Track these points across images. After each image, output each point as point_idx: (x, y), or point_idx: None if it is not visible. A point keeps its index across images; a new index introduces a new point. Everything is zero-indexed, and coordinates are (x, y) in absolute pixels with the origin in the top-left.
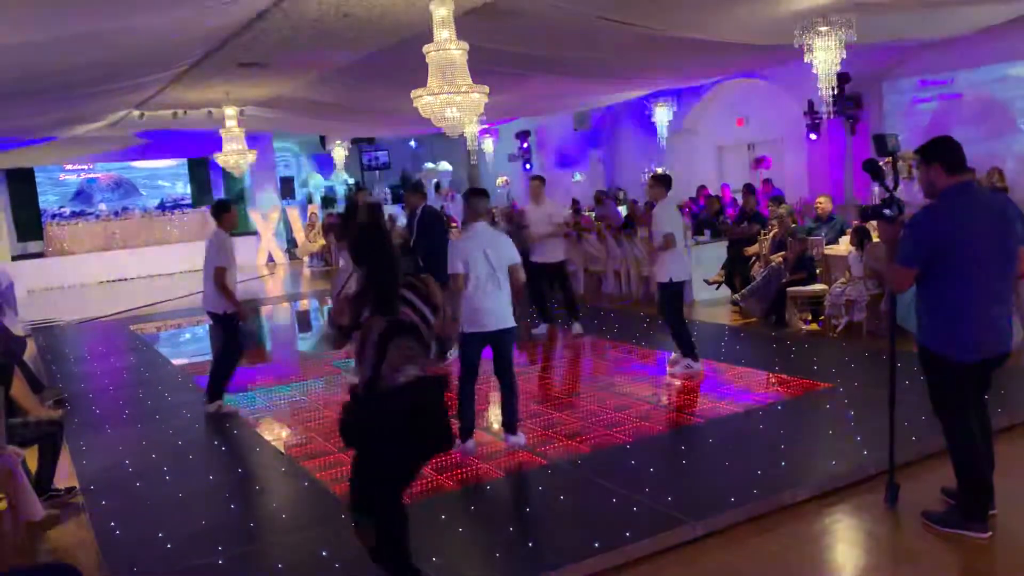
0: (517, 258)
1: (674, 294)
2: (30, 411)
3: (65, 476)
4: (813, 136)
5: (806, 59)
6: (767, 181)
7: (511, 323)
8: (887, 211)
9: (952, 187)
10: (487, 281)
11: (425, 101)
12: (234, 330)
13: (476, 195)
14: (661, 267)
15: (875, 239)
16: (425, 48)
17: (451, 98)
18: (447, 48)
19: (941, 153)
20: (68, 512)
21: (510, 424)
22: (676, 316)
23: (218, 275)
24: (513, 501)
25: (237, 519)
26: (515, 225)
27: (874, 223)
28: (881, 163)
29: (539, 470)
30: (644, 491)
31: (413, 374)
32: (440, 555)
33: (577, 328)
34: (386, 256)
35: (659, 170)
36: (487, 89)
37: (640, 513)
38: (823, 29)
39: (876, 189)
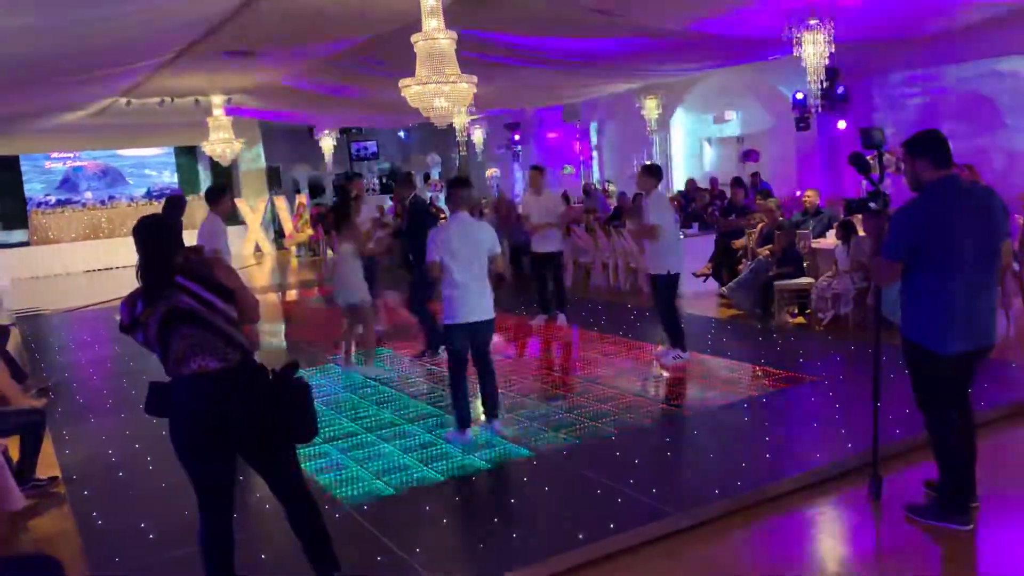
0: (498, 248)
1: (670, 285)
2: (13, 400)
3: (48, 466)
4: (802, 129)
5: (795, 53)
6: (755, 174)
7: (490, 314)
8: (872, 204)
9: (937, 181)
10: (468, 272)
11: (414, 91)
12: None
13: (459, 184)
14: (657, 259)
15: (861, 232)
16: (413, 37)
17: (439, 87)
18: (435, 37)
19: (927, 147)
20: (50, 502)
21: (491, 411)
22: (669, 307)
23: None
24: (498, 493)
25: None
26: (502, 216)
27: (860, 216)
28: (869, 157)
29: (525, 461)
30: (629, 483)
31: (210, 366)
32: (424, 547)
33: (561, 319)
34: (160, 246)
35: (648, 162)
36: (475, 79)
37: (625, 505)
38: (812, 23)
39: (864, 183)
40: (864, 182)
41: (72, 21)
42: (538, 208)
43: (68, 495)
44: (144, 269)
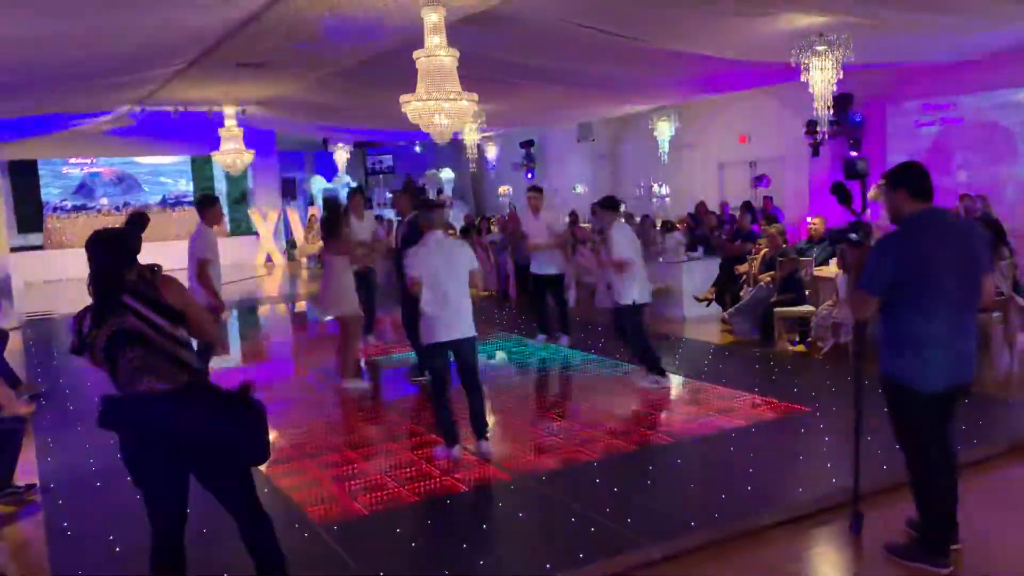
0: (475, 264)
1: (635, 315)
2: (5, 405)
3: (30, 473)
4: (814, 155)
5: (802, 78)
6: (768, 198)
7: (471, 332)
8: (853, 235)
9: (917, 213)
10: (444, 291)
11: (413, 107)
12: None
13: (431, 208)
14: (623, 288)
15: None
16: (415, 54)
17: (440, 104)
18: (437, 54)
19: (907, 179)
20: (26, 510)
21: (479, 431)
22: (639, 335)
23: (200, 267)
24: (472, 516)
25: (190, 524)
26: (508, 234)
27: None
28: (875, 184)
29: (502, 485)
30: (605, 511)
31: (157, 387)
32: (388, 570)
33: (564, 341)
34: (111, 263)
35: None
36: (476, 96)
37: (598, 534)
38: (820, 48)
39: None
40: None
41: (82, 30)
42: (537, 229)
43: (43, 504)
44: (93, 285)
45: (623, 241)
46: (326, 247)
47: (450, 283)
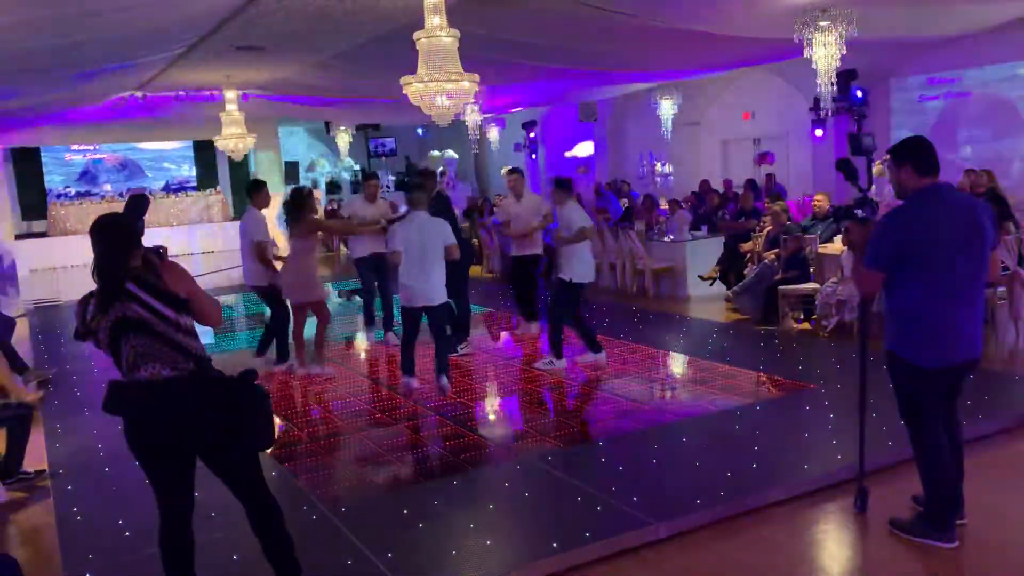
0: (451, 240)
1: (571, 294)
2: (11, 393)
3: (39, 459)
4: (819, 132)
5: (805, 54)
6: (771, 176)
7: (439, 300)
8: (859, 212)
9: (921, 189)
10: (418, 264)
11: (414, 88)
12: (279, 298)
13: (416, 188)
14: (566, 264)
15: None
16: (415, 35)
17: (441, 86)
18: (437, 35)
19: (912, 154)
20: (35, 496)
21: (439, 369)
22: (561, 315)
23: (258, 249)
24: (477, 496)
25: (198, 508)
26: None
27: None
28: (878, 161)
29: (508, 465)
30: (611, 490)
31: (161, 374)
32: (395, 550)
33: (534, 329)
34: (115, 249)
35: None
36: (477, 77)
37: (603, 512)
38: (823, 24)
39: (887, 189)
40: (878, 187)
41: (81, 13)
42: (521, 212)
43: (52, 489)
44: (98, 272)
45: (575, 217)
46: (289, 233)
47: (426, 257)
